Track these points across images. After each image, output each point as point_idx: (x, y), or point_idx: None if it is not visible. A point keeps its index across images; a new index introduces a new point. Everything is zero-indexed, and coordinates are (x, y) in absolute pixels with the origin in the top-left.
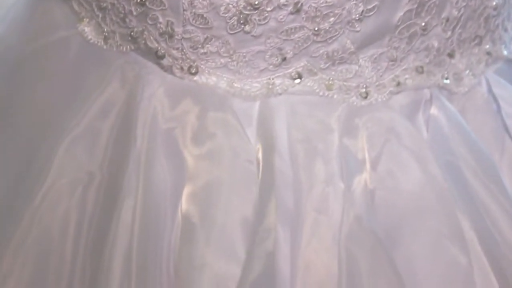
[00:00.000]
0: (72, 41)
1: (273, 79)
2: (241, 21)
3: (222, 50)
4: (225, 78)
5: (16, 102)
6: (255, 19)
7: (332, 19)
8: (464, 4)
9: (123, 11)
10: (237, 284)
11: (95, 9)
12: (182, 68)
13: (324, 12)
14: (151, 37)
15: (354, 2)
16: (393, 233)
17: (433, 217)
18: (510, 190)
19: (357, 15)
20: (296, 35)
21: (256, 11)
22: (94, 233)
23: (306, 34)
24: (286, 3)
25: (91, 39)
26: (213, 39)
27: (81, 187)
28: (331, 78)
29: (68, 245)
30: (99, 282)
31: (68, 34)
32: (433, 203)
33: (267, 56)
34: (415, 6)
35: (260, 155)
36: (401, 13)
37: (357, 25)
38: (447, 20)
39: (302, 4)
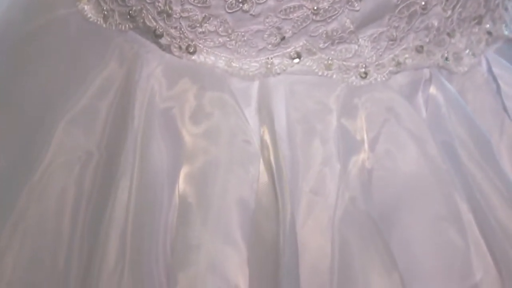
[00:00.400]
0: (72, 19)
1: (271, 58)
2: (240, 0)
3: (220, 29)
4: (223, 58)
5: (16, 80)
6: None
7: None
8: None
9: None
10: (272, 269)
11: None
12: (180, 47)
13: None
14: (150, 16)
15: None
16: (390, 214)
17: (431, 199)
18: (508, 171)
19: None
20: (295, 14)
21: None
22: (91, 211)
23: (305, 13)
24: None
25: (90, 17)
26: (211, 18)
27: (79, 166)
28: (330, 58)
29: (65, 222)
30: (95, 260)
31: (67, 13)
32: (431, 184)
33: (266, 36)
34: None
35: (266, 137)
36: None
37: (356, 4)
38: None
39: None
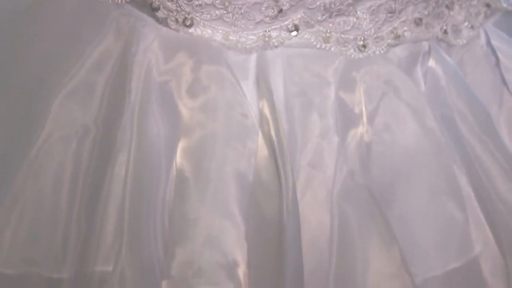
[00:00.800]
0: None
1: (269, 31)
2: None
3: (217, 1)
4: (220, 31)
5: (12, 56)
6: None
7: None
8: None
9: None
10: (273, 242)
11: None
12: (177, 20)
13: None
14: None
15: None
16: (389, 188)
17: (430, 172)
18: (507, 143)
19: None
20: None
21: None
22: (89, 186)
23: None
24: None
25: None
26: None
27: (76, 141)
28: (328, 31)
29: (63, 198)
30: (92, 235)
31: None
32: (430, 158)
33: (263, 8)
34: None
35: (266, 110)
36: None
37: None
38: None
39: None
